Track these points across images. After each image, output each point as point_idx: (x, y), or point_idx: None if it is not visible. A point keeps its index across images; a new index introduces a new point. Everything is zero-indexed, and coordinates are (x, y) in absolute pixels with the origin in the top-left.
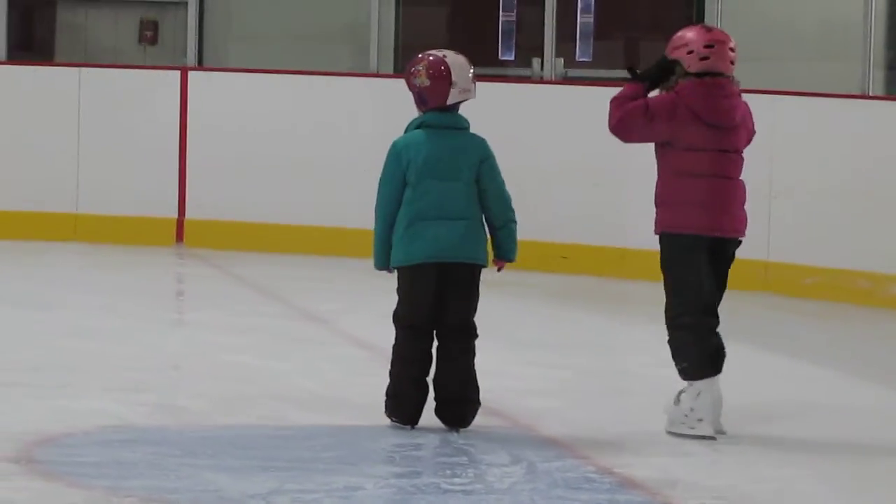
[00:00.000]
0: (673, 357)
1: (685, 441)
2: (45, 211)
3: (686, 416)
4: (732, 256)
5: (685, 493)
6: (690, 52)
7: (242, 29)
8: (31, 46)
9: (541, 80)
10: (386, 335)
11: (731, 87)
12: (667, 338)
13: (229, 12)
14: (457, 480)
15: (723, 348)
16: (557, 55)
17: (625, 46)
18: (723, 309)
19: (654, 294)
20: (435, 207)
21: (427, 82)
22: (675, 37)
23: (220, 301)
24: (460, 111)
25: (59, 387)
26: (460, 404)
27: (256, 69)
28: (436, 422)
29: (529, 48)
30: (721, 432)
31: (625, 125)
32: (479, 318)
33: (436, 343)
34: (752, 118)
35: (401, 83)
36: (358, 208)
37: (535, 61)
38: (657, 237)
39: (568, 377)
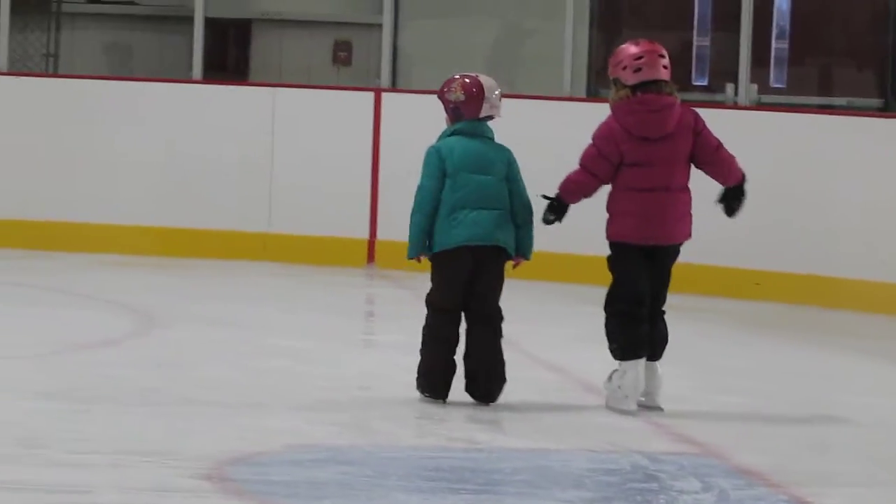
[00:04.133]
0: (607, 338)
1: (880, 470)
2: (238, 230)
3: (615, 392)
4: (674, 256)
5: None
6: (625, 68)
7: (436, 51)
8: (226, 66)
9: (734, 106)
10: (576, 360)
11: (659, 101)
12: (604, 322)
13: (423, 34)
14: None
15: (653, 336)
16: (751, 81)
17: (819, 73)
18: None
19: (850, 322)
20: (472, 198)
21: (463, 97)
22: (613, 55)
23: (410, 322)
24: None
25: (251, 405)
26: (489, 381)
27: None
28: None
29: (723, 73)
30: (657, 408)
31: (591, 181)
32: (671, 345)
33: (464, 325)
34: (700, 122)
35: (594, 107)
36: (547, 232)
37: (729, 86)
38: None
39: (760, 404)
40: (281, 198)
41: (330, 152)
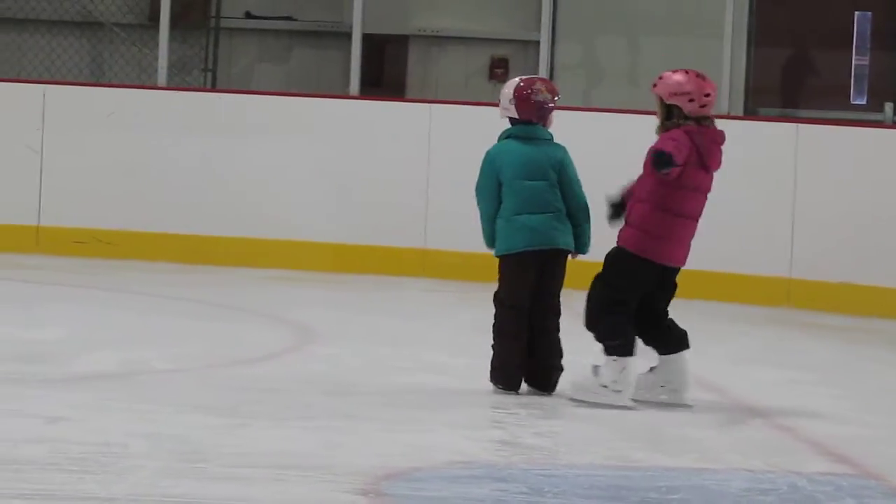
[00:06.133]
0: (606, 334)
1: None
2: (395, 246)
3: (605, 386)
4: (674, 274)
5: None
6: (692, 101)
7: (593, 68)
8: (382, 82)
9: (893, 126)
10: (735, 380)
11: (721, 135)
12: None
13: (580, 51)
14: None
15: (672, 335)
16: None
17: None
18: None
19: None
20: (527, 203)
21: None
22: (671, 82)
23: (566, 340)
24: None
25: (408, 421)
26: (549, 371)
27: (607, 108)
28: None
29: (882, 93)
30: (685, 405)
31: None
32: (827, 366)
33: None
34: None
35: (752, 125)
36: (709, 250)
37: (888, 106)
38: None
39: None
40: (437, 214)
41: None
